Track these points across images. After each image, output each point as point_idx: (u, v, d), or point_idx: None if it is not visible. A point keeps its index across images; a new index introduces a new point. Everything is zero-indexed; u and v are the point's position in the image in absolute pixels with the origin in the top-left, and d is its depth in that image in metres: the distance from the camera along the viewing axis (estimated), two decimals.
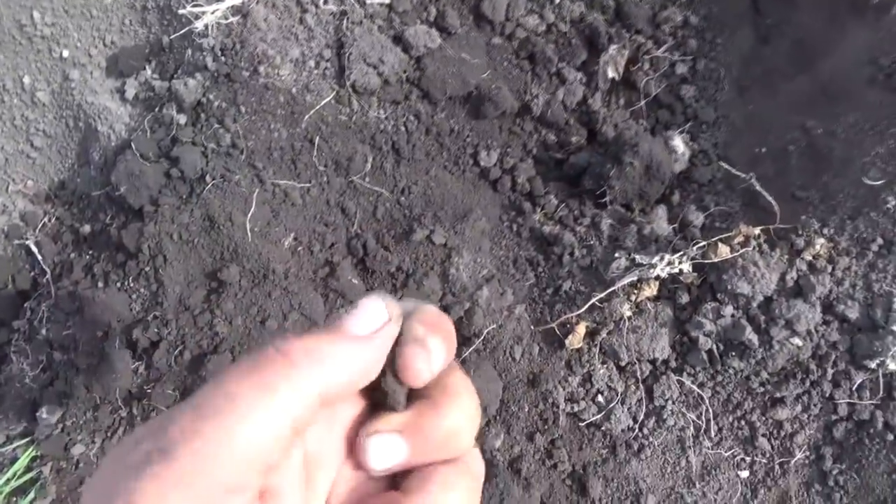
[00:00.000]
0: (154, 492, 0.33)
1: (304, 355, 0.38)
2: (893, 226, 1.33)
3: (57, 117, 1.76)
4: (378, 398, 0.45)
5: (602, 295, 1.39)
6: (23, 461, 1.46)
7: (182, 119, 1.56)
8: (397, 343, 0.43)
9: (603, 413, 1.38)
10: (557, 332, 1.41)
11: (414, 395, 0.45)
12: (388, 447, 0.42)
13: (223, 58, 1.56)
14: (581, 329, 1.40)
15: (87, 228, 1.64)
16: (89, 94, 1.71)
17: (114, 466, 0.35)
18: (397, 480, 0.44)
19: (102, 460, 0.39)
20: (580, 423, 1.39)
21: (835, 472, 1.32)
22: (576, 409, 1.39)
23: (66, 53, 1.72)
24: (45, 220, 1.73)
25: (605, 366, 1.40)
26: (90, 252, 1.61)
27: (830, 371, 1.31)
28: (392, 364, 0.43)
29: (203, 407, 0.36)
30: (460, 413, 0.44)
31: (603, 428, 1.38)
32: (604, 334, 1.39)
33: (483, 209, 1.61)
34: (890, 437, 1.28)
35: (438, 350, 0.43)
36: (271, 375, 0.37)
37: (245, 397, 0.36)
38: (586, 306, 1.39)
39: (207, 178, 1.50)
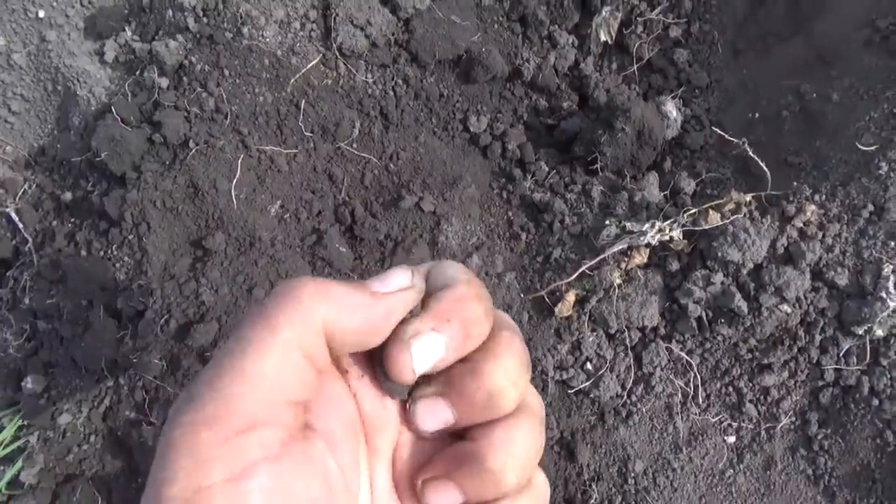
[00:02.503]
0: (189, 435, 0.35)
1: (310, 291, 0.40)
2: (885, 192, 1.32)
3: (34, 80, 1.70)
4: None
5: (592, 263, 1.38)
6: (9, 430, 1.45)
7: (164, 82, 1.52)
8: (388, 337, 0.44)
9: (592, 380, 1.38)
10: (547, 300, 1.41)
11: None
12: (434, 410, 0.44)
13: (205, 18, 1.51)
14: (571, 297, 1.39)
15: (68, 195, 1.60)
16: (67, 57, 1.65)
17: (164, 429, 0.38)
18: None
19: None
20: (569, 391, 1.39)
21: (820, 437, 1.34)
22: (565, 376, 1.39)
23: (41, 14, 1.66)
24: (25, 187, 1.69)
25: (594, 333, 1.39)
26: (72, 220, 1.58)
27: (818, 337, 1.31)
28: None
29: (220, 354, 0.39)
30: (502, 375, 0.44)
31: (591, 395, 1.39)
32: (593, 302, 1.38)
33: (473, 176, 1.59)
34: (875, 402, 1.29)
35: (429, 350, 0.43)
36: (275, 311, 0.39)
37: (253, 336, 0.38)
38: (576, 274, 1.38)
39: (191, 143, 1.46)
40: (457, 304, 0.44)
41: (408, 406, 0.45)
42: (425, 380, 0.45)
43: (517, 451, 0.44)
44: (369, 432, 0.45)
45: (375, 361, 0.46)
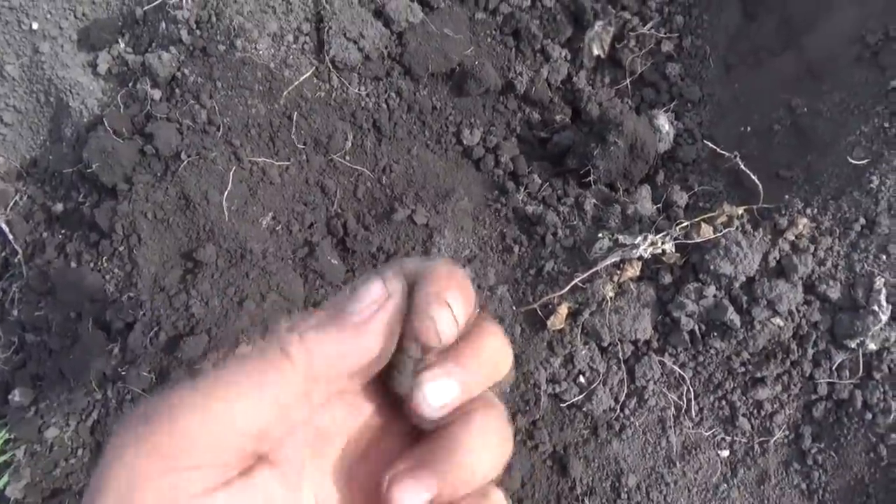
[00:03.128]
0: (129, 458, 0.34)
1: (295, 345, 0.38)
2: (876, 205, 1.32)
3: (27, 92, 1.70)
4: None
5: (585, 276, 1.38)
6: None
7: (156, 94, 1.52)
8: (411, 311, 0.42)
9: (584, 394, 1.38)
10: (539, 312, 1.40)
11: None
12: (442, 385, 0.42)
13: (198, 31, 1.51)
14: (563, 310, 1.39)
15: (59, 207, 1.59)
16: (60, 68, 1.65)
17: (116, 434, 0.36)
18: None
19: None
20: (561, 404, 1.39)
21: (814, 451, 1.33)
22: (557, 390, 1.38)
23: (35, 25, 1.66)
24: (17, 198, 1.68)
25: (587, 347, 1.39)
26: (63, 231, 1.57)
27: (811, 351, 1.31)
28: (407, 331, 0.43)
29: (192, 386, 0.36)
30: (497, 343, 0.44)
31: (584, 409, 1.38)
32: (586, 315, 1.38)
33: (465, 188, 1.58)
34: (868, 416, 1.29)
35: (455, 306, 0.42)
36: (265, 366, 0.37)
37: (234, 382, 0.36)
38: (568, 287, 1.38)
39: (183, 155, 1.46)
40: (451, 271, 0.43)
41: (415, 391, 0.43)
42: (422, 361, 0.44)
43: (492, 447, 0.43)
44: (318, 442, 0.43)
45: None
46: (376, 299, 0.41)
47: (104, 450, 0.35)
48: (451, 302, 0.42)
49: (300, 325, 0.40)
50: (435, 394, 0.42)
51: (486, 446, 0.42)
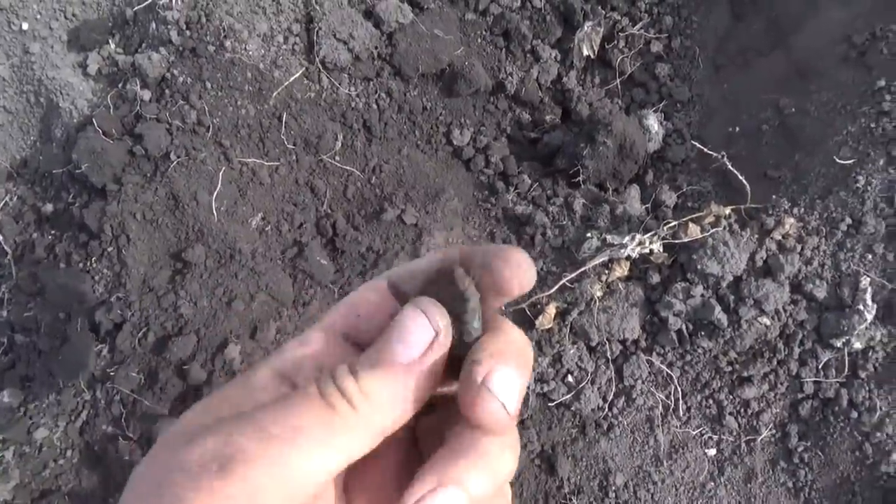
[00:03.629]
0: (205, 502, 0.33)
1: (365, 403, 0.37)
2: (862, 205, 1.33)
3: (17, 92, 1.70)
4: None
5: (573, 275, 1.38)
6: None
7: (146, 95, 1.52)
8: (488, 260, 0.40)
9: (573, 393, 1.38)
10: (528, 312, 1.41)
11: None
12: (511, 380, 0.39)
13: (188, 31, 1.52)
14: (551, 310, 1.39)
15: (49, 207, 1.59)
16: (50, 69, 1.65)
17: (168, 462, 0.35)
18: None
19: (153, 449, 0.37)
20: (550, 404, 1.39)
21: (800, 450, 1.33)
22: (545, 389, 1.38)
23: (25, 26, 1.66)
24: (7, 198, 1.68)
25: (575, 346, 1.39)
26: (52, 232, 1.57)
27: (797, 350, 1.32)
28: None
29: (268, 431, 0.35)
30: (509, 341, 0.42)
31: (573, 408, 1.38)
32: (574, 315, 1.38)
33: (455, 189, 1.59)
34: (854, 414, 1.30)
35: (511, 385, 0.40)
36: (334, 418, 0.36)
37: (310, 435, 0.36)
38: (557, 286, 1.38)
39: (172, 156, 1.46)
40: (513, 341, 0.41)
41: (478, 393, 0.39)
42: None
43: (510, 458, 0.41)
44: None
45: None
46: (424, 336, 0.40)
47: (171, 476, 0.34)
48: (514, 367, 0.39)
49: (356, 365, 0.38)
50: (502, 389, 0.39)
51: (508, 460, 0.40)
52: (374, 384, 0.38)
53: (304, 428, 0.35)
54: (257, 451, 0.34)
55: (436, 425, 0.44)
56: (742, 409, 1.35)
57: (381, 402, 0.38)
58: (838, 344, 1.29)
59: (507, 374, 0.38)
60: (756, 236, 1.36)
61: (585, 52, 1.71)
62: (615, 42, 1.72)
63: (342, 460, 0.37)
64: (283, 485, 0.34)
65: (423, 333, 0.39)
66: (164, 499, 0.33)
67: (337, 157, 1.55)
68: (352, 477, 0.43)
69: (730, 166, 1.39)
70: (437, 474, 0.39)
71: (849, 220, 1.33)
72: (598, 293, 1.38)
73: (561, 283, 1.37)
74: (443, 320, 0.40)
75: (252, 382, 0.40)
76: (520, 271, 0.41)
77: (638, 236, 1.37)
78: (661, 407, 1.37)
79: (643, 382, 1.38)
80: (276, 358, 0.41)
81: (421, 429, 0.45)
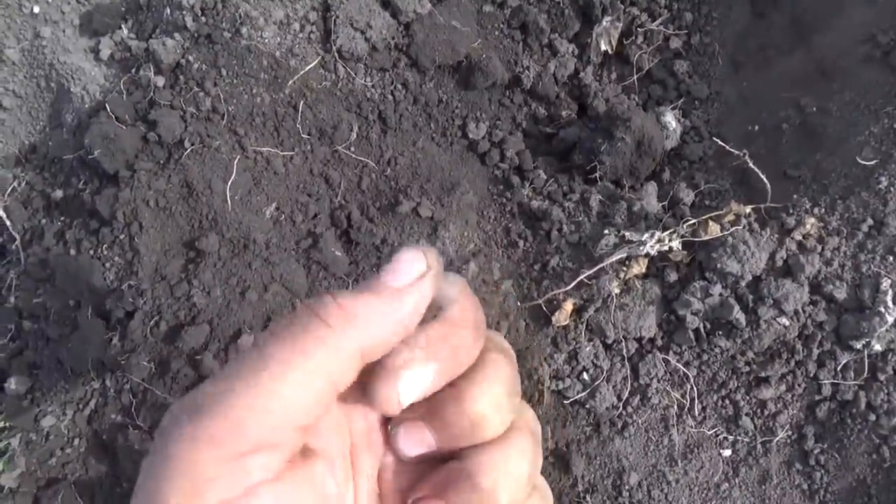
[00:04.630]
0: (188, 452, 0.33)
1: (339, 320, 0.37)
2: (884, 206, 1.31)
3: (28, 76, 1.68)
4: None
5: (590, 272, 1.37)
6: None
7: (160, 81, 1.50)
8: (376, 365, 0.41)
9: (588, 391, 1.37)
10: (544, 308, 1.39)
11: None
12: (415, 435, 0.42)
13: (203, 17, 1.50)
14: (568, 306, 1.38)
15: (59, 193, 1.57)
16: (62, 53, 1.63)
17: (157, 440, 0.35)
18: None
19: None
20: (565, 401, 1.38)
21: (816, 452, 1.32)
22: (561, 386, 1.37)
23: (36, 9, 1.64)
24: (15, 184, 1.66)
25: (591, 343, 1.38)
26: (62, 218, 1.55)
27: (816, 351, 1.31)
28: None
29: (237, 368, 0.35)
30: (486, 402, 0.42)
31: (587, 406, 1.37)
32: (591, 311, 1.37)
33: (470, 182, 1.57)
34: (872, 417, 1.29)
35: (417, 382, 0.40)
36: (305, 335, 0.36)
37: (280, 358, 0.35)
38: (574, 283, 1.37)
39: (186, 143, 1.44)
40: (450, 331, 0.41)
41: (389, 429, 0.43)
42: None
43: (509, 470, 0.42)
44: (356, 452, 0.43)
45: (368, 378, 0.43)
46: (415, 269, 0.40)
47: (155, 445, 0.34)
48: (431, 363, 0.40)
49: (337, 294, 0.39)
50: (408, 444, 0.42)
51: (506, 474, 0.41)
52: (350, 300, 0.38)
53: (273, 355, 0.35)
54: (232, 384, 0.34)
55: None
56: (758, 410, 1.34)
57: (356, 317, 0.37)
58: (858, 346, 1.28)
59: (422, 373, 0.40)
60: (776, 236, 1.34)
61: (603, 48, 1.70)
62: (633, 37, 1.70)
63: (321, 383, 0.36)
64: (265, 415, 0.34)
65: (413, 266, 0.40)
66: (156, 457, 0.34)
67: (352, 148, 1.54)
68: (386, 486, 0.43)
69: (751, 164, 1.37)
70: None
71: (870, 221, 1.32)
72: (616, 290, 1.37)
73: (578, 279, 1.36)
74: (436, 262, 0.41)
75: None
76: (381, 398, 0.41)
77: (657, 234, 1.35)
78: (676, 406, 1.36)
79: (659, 381, 1.37)
80: None
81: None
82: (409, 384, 0.40)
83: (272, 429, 0.35)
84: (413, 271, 0.40)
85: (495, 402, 0.42)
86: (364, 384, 0.42)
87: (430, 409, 0.42)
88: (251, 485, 0.34)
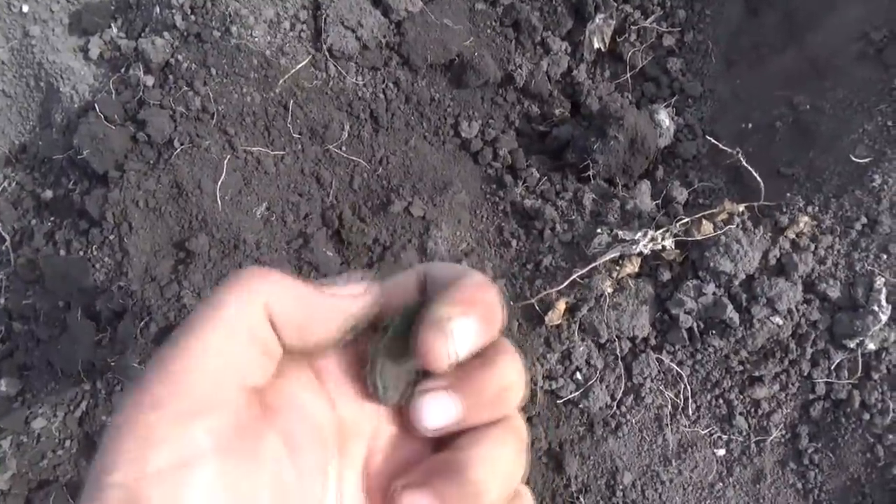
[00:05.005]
0: (133, 417, 0.34)
1: (255, 273, 0.39)
2: (878, 204, 1.31)
3: (16, 76, 1.67)
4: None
5: (583, 271, 1.36)
6: None
7: (149, 80, 1.49)
8: (418, 324, 0.41)
9: (581, 390, 1.36)
10: (537, 307, 1.38)
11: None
12: (442, 405, 0.42)
13: (193, 16, 1.48)
14: (561, 305, 1.37)
15: (48, 194, 1.56)
16: (51, 53, 1.62)
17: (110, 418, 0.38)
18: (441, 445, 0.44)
19: None
20: (558, 401, 1.37)
21: (810, 451, 1.32)
22: (554, 386, 1.37)
23: (25, 8, 1.63)
24: (5, 184, 1.65)
25: (584, 343, 1.37)
26: (52, 218, 1.54)
27: (809, 350, 1.30)
28: (388, 348, 0.42)
29: (174, 336, 0.37)
30: (514, 370, 0.43)
31: (581, 405, 1.36)
32: (584, 311, 1.36)
33: (463, 181, 1.56)
34: (866, 416, 1.28)
35: (467, 333, 0.41)
36: (219, 292, 0.38)
37: (198, 316, 0.37)
38: (567, 282, 1.36)
39: (176, 143, 1.43)
40: (478, 290, 0.42)
41: (406, 404, 0.43)
42: (426, 374, 0.43)
43: (501, 467, 0.42)
44: (343, 439, 0.43)
45: (360, 364, 0.44)
46: (353, 290, 0.42)
47: (106, 426, 0.36)
48: (474, 319, 0.41)
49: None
50: (433, 414, 0.42)
51: (496, 471, 0.41)
52: (271, 270, 0.40)
53: (195, 319, 0.37)
54: (171, 351, 0.36)
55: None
56: (752, 410, 1.34)
57: (272, 279, 0.39)
58: (851, 345, 1.27)
59: (469, 324, 0.40)
60: (769, 234, 1.34)
61: (596, 45, 1.69)
62: (627, 35, 1.69)
63: (239, 330, 0.37)
64: (201, 373, 0.35)
65: (353, 286, 0.42)
66: (110, 425, 0.35)
67: (343, 148, 1.53)
68: (372, 479, 0.43)
69: (744, 162, 1.37)
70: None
71: (864, 220, 1.31)
72: (609, 289, 1.36)
73: (571, 278, 1.35)
74: (374, 292, 0.43)
75: None
76: (444, 342, 0.41)
77: (650, 232, 1.35)
78: (670, 406, 1.36)
79: (652, 381, 1.36)
80: None
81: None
82: (460, 335, 0.40)
83: (212, 386, 0.35)
84: (349, 290, 0.42)
85: (520, 372, 0.43)
86: (349, 370, 0.43)
87: (459, 376, 0.42)
88: (197, 450, 0.34)
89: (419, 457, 0.44)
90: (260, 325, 0.39)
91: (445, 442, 0.43)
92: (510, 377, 0.42)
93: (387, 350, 0.43)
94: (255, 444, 0.37)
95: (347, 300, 0.42)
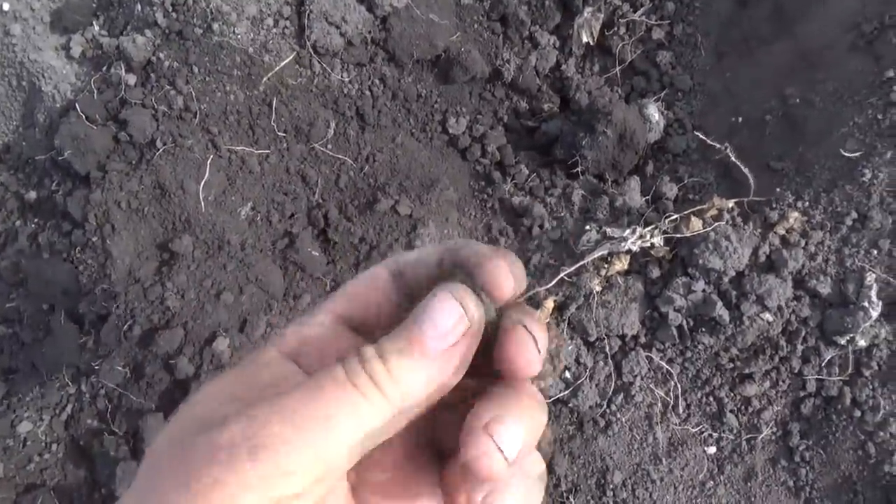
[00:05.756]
0: (233, 486, 0.33)
1: (388, 383, 0.37)
2: (868, 199, 1.29)
3: None
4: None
5: (572, 269, 1.35)
6: None
7: (131, 79, 1.47)
8: (495, 330, 0.39)
9: (570, 389, 1.35)
10: (525, 306, 1.37)
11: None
12: (515, 436, 0.38)
13: (174, 13, 1.46)
14: (549, 304, 1.35)
15: (32, 195, 1.54)
16: (32, 51, 1.59)
17: (193, 444, 0.35)
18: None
19: (170, 429, 0.38)
20: (547, 400, 1.36)
21: (801, 448, 1.31)
22: (542, 385, 1.35)
23: (6, 6, 1.60)
24: None
25: (573, 341, 1.36)
26: (36, 220, 1.52)
27: (800, 347, 1.29)
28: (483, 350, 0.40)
29: (300, 414, 0.36)
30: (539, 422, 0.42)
31: (570, 405, 1.35)
32: (573, 309, 1.35)
33: (451, 178, 1.55)
34: (857, 413, 1.27)
35: (514, 430, 0.39)
36: (358, 398, 0.36)
37: (339, 420, 0.36)
38: (555, 280, 1.34)
39: (158, 142, 1.41)
40: (528, 397, 0.41)
41: (479, 440, 0.39)
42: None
43: (534, 412, 0.41)
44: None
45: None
46: (456, 323, 0.38)
47: (197, 459, 0.34)
48: (537, 329, 0.40)
49: (383, 348, 0.38)
50: (509, 446, 0.38)
51: (533, 418, 0.40)
52: (404, 370, 0.37)
53: (333, 414, 0.36)
54: (288, 435, 0.35)
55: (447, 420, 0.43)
56: (743, 407, 1.33)
57: (410, 388, 0.37)
58: (842, 341, 1.26)
59: (510, 426, 0.38)
60: (759, 230, 1.32)
61: (585, 39, 1.67)
62: (615, 28, 1.67)
63: (369, 444, 0.37)
64: (313, 467, 0.35)
65: (456, 321, 0.38)
66: (192, 481, 0.33)
67: (329, 146, 1.51)
68: (359, 474, 0.42)
69: (734, 158, 1.35)
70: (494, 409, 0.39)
71: (854, 215, 1.30)
72: (597, 287, 1.35)
73: (559, 276, 1.34)
74: (477, 311, 0.39)
75: (260, 362, 0.41)
76: (511, 276, 0.40)
77: (639, 229, 1.33)
78: (660, 404, 1.35)
79: (642, 379, 1.35)
80: (279, 339, 0.42)
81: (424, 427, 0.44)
82: (507, 439, 0.38)
83: (311, 480, 0.35)
84: (454, 327, 0.38)
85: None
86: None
87: (516, 398, 0.40)
88: None
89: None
90: (381, 436, 0.37)
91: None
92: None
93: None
94: None
95: (463, 349, 0.39)
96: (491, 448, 0.37)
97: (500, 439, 0.37)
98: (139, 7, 1.49)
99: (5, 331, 1.46)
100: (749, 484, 1.33)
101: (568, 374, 1.36)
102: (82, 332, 1.37)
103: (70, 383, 1.38)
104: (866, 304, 1.24)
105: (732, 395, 1.34)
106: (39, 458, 1.40)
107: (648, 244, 1.34)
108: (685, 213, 1.34)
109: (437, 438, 0.44)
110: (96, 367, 1.34)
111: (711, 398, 1.34)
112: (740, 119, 1.53)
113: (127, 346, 1.32)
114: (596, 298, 1.35)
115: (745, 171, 1.34)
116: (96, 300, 1.34)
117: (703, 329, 1.31)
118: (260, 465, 0.34)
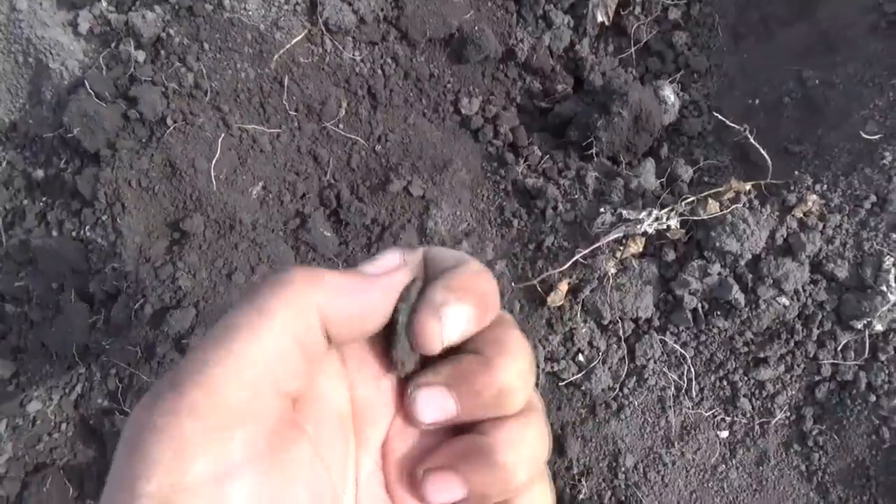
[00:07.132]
0: (171, 425, 0.33)
1: (302, 277, 0.38)
2: (888, 182, 1.28)
3: (5, 52, 1.62)
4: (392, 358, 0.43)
5: (586, 251, 1.33)
6: None
7: (140, 56, 1.45)
8: (413, 307, 0.41)
9: (583, 372, 1.34)
10: (539, 288, 1.36)
11: (462, 350, 0.43)
12: (436, 400, 0.41)
13: None
14: (563, 286, 1.34)
15: (40, 173, 1.53)
16: (39, 27, 1.57)
17: (135, 414, 0.35)
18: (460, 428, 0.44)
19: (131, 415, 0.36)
20: (560, 383, 1.35)
21: (815, 433, 1.30)
22: (556, 368, 1.35)
23: None
24: None
25: (586, 324, 1.35)
26: (44, 199, 1.51)
27: (816, 331, 1.28)
28: (406, 327, 0.42)
29: (205, 340, 0.36)
30: (514, 373, 0.42)
31: (583, 387, 1.35)
32: (587, 292, 1.34)
33: (463, 160, 1.53)
34: (872, 398, 1.26)
35: (458, 319, 0.41)
36: (266, 296, 0.37)
37: (242, 321, 0.36)
38: (569, 263, 1.33)
39: (168, 120, 1.39)
40: (474, 278, 0.42)
41: (408, 393, 0.42)
42: (430, 366, 0.43)
43: (528, 449, 0.42)
44: (359, 423, 0.42)
45: (378, 341, 0.43)
46: (392, 265, 0.42)
47: (136, 419, 0.34)
48: (467, 304, 0.41)
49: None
50: (428, 408, 0.41)
51: (522, 453, 0.41)
52: (318, 270, 0.40)
53: (237, 322, 0.36)
54: (210, 355, 0.35)
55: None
56: (757, 391, 1.32)
57: (320, 282, 0.39)
58: (858, 326, 1.25)
59: (462, 310, 0.41)
60: (776, 213, 1.31)
61: (600, 19, 1.64)
62: (631, 8, 1.65)
63: (289, 343, 0.37)
64: (241, 382, 0.34)
65: (389, 260, 0.43)
66: (134, 428, 0.34)
67: (341, 125, 1.49)
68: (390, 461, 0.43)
69: (751, 139, 1.33)
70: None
71: (873, 198, 1.28)
72: (612, 270, 1.34)
73: (574, 259, 1.32)
74: (413, 259, 0.44)
75: None
76: (436, 325, 0.41)
77: (654, 211, 1.32)
78: (673, 388, 1.34)
79: (655, 362, 1.34)
80: None
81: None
82: (452, 320, 0.40)
83: (252, 395, 0.35)
84: (388, 265, 0.42)
85: (522, 374, 0.42)
86: (372, 348, 0.43)
87: (456, 374, 0.41)
88: (235, 462, 0.33)
89: (438, 440, 0.43)
90: (309, 334, 0.38)
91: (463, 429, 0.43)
92: (510, 380, 0.41)
93: (402, 327, 0.42)
94: (289, 453, 0.36)
95: (394, 276, 0.41)
96: (435, 319, 0.40)
97: (446, 315, 0.40)
98: None
99: (14, 310, 1.45)
100: (761, 468, 1.32)
101: (581, 358, 1.36)
102: (92, 312, 1.36)
103: (80, 362, 1.37)
104: (884, 288, 1.23)
105: (746, 379, 1.33)
106: (49, 438, 1.40)
107: (664, 226, 1.33)
108: (702, 195, 1.32)
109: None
110: (107, 347, 1.33)
111: (725, 382, 1.34)
112: (757, 101, 1.51)
113: (138, 325, 1.31)
114: (610, 281, 1.34)
115: (763, 153, 1.32)
116: (106, 279, 1.33)
117: (718, 312, 1.30)
118: (185, 395, 0.34)
